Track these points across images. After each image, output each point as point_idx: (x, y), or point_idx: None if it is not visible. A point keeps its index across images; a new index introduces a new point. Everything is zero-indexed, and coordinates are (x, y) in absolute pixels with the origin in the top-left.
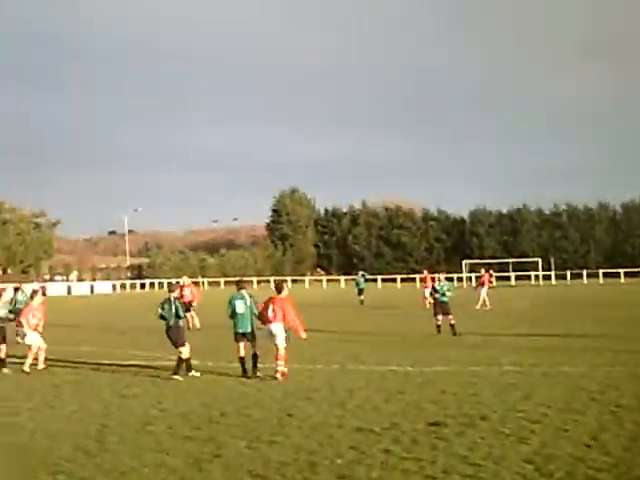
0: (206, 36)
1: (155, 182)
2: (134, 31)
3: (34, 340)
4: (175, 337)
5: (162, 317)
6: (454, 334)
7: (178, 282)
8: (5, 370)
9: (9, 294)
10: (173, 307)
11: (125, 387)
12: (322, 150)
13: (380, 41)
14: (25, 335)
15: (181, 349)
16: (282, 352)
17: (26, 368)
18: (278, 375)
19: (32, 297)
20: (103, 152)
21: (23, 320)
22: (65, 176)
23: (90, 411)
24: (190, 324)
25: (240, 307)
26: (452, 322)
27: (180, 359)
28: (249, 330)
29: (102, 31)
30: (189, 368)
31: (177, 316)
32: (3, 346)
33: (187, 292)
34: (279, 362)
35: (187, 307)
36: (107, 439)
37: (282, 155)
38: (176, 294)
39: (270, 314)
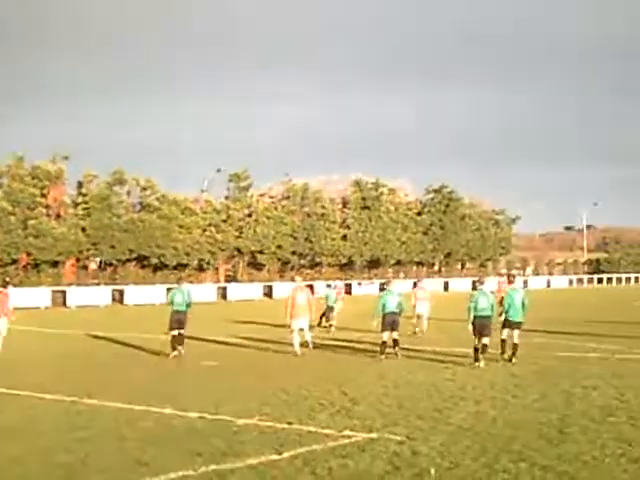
0: None
1: (615, 176)
2: None
3: None
4: None
5: None
6: None
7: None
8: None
9: None
10: None
11: (585, 378)
12: None
13: None
14: None
15: None
16: None
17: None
18: None
19: None
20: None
21: None
22: (522, 172)
23: (551, 401)
24: None
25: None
26: None
27: None
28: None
29: None
30: None
31: None
32: None
33: None
34: None
35: None
36: (569, 428)
37: None
38: None
39: None
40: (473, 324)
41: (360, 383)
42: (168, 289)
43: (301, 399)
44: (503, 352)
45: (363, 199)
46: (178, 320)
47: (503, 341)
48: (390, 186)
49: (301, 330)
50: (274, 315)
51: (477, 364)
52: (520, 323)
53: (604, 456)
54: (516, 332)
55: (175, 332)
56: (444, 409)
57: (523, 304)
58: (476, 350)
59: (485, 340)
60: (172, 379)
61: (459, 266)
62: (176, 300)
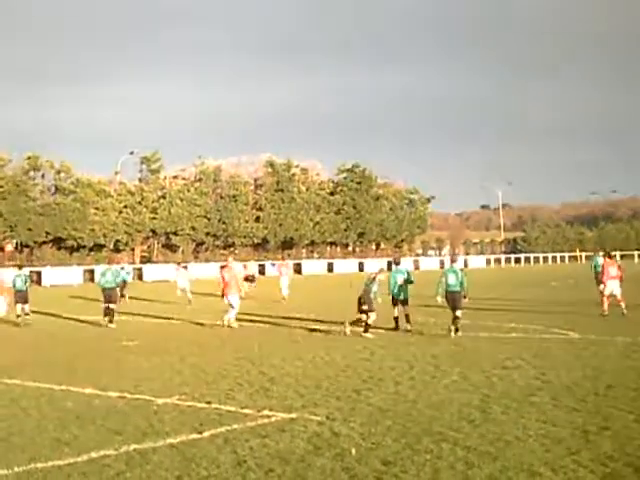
0: None
1: (528, 155)
2: None
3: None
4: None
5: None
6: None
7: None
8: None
9: None
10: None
11: (506, 359)
12: None
13: None
14: None
15: None
16: None
17: None
18: None
19: None
20: (475, 126)
21: None
22: (436, 151)
23: (472, 381)
24: None
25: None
26: None
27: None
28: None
29: None
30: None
31: None
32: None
33: None
34: None
35: None
36: (490, 409)
37: None
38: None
39: None
40: (445, 298)
41: (278, 363)
42: (89, 270)
43: (220, 378)
44: (397, 328)
45: (277, 182)
46: (108, 295)
47: (396, 318)
48: (302, 166)
49: (231, 306)
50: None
51: (453, 334)
52: (405, 300)
53: (527, 436)
54: (405, 307)
55: (106, 305)
56: (363, 390)
57: (409, 281)
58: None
59: (458, 312)
60: (92, 359)
61: (374, 246)
62: (106, 278)
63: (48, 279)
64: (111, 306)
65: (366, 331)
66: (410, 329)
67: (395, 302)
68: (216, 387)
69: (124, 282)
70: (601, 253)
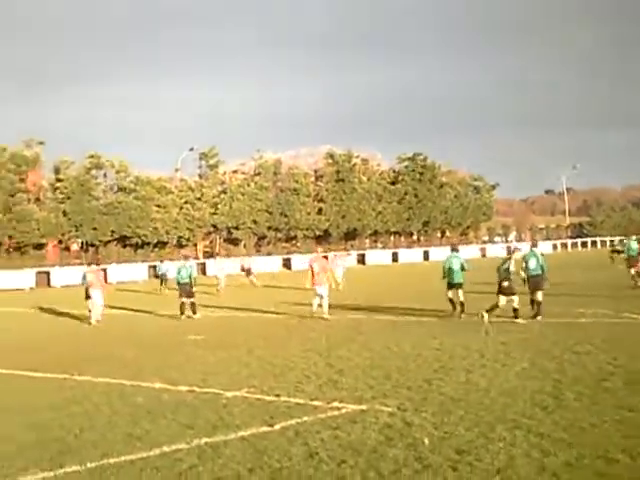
0: None
1: (596, 139)
2: None
3: None
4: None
5: None
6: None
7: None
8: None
9: None
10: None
11: (576, 344)
12: None
13: None
14: None
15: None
16: None
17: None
18: None
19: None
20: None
21: None
22: (500, 137)
23: (543, 368)
24: None
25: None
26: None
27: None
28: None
29: None
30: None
31: None
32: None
33: None
34: None
35: None
36: (563, 395)
37: None
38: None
39: None
40: (527, 282)
41: (345, 354)
42: (154, 267)
43: (287, 371)
44: (454, 309)
45: (337, 172)
46: (185, 291)
47: (451, 300)
48: (362, 156)
49: (321, 297)
50: (254, 289)
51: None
52: (460, 284)
53: (602, 422)
54: (460, 291)
55: (184, 300)
56: (434, 380)
57: (462, 267)
58: (532, 302)
59: (538, 295)
60: (160, 354)
61: (439, 234)
62: (182, 274)
63: (114, 276)
64: (191, 300)
65: (516, 317)
66: (461, 317)
67: (450, 286)
68: (284, 379)
69: (165, 278)
70: (634, 237)
